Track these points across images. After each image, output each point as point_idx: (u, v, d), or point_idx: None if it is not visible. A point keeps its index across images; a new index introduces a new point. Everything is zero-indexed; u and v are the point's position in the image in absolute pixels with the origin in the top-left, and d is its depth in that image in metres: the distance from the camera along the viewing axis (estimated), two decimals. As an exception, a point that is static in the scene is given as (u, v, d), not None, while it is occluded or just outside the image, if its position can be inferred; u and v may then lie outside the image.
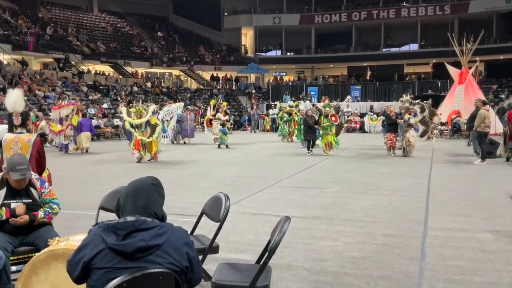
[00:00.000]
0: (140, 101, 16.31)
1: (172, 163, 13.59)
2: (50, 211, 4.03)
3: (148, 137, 13.72)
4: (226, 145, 18.35)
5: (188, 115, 21.84)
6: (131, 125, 13.95)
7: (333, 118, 15.23)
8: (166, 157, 15.22)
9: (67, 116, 16.79)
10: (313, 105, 19.11)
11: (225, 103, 22.54)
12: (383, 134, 16.86)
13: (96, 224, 2.32)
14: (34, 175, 4.11)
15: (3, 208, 3.83)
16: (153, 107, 14.77)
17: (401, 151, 15.06)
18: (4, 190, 3.92)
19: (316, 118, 15.80)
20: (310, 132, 15.73)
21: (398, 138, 15.23)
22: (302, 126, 18.48)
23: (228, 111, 21.07)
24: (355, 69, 44.97)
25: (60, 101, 19.70)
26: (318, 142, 16.35)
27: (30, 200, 3.98)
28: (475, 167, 12.39)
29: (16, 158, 3.96)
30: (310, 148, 15.77)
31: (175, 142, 21.43)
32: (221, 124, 18.84)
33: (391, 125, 15.11)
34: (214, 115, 19.68)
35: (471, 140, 15.68)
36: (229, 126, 20.21)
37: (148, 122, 13.92)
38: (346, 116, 27.23)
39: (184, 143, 21.49)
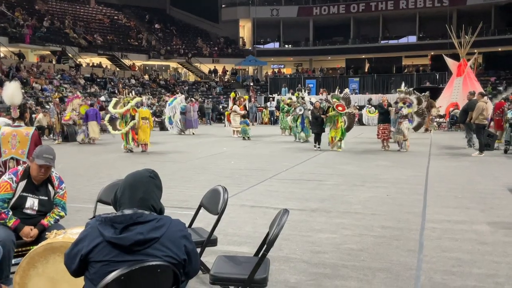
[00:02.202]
0: (126, 92, 16.89)
1: (170, 156, 13.58)
2: (58, 218, 4.05)
3: (125, 128, 14.36)
4: (247, 137, 18.59)
5: (191, 107, 22.11)
6: (110, 118, 15.06)
7: (340, 108, 14.20)
8: (165, 149, 15.23)
9: (80, 105, 17.98)
10: (302, 98, 18.71)
11: (246, 96, 22.66)
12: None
13: (94, 217, 2.31)
14: (54, 173, 4.10)
15: (13, 218, 3.81)
16: (137, 99, 15.04)
17: (396, 145, 14.43)
18: (24, 182, 3.92)
19: (325, 109, 14.84)
20: (316, 124, 14.83)
21: (392, 129, 14.48)
22: (291, 118, 18.22)
23: (246, 105, 21.23)
24: (353, 61, 44.87)
25: (56, 93, 20.24)
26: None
27: (46, 198, 3.99)
28: (473, 159, 12.40)
29: (45, 147, 4.01)
30: (318, 143, 14.84)
31: (183, 133, 21.90)
32: (242, 116, 19.31)
33: (383, 114, 14.51)
34: (232, 108, 20.04)
35: (466, 131, 15.63)
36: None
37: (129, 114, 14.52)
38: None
39: (193, 133, 21.90)
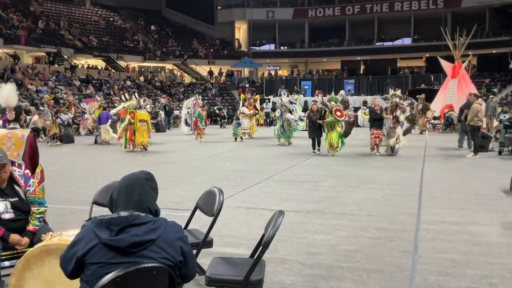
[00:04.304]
0: (126, 94, 17.56)
1: (166, 157, 13.57)
2: (41, 216, 3.93)
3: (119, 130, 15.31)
4: (238, 138, 18.62)
5: (192, 108, 22.24)
6: (111, 122, 16.17)
7: (338, 113, 13.40)
8: (161, 150, 15.22)
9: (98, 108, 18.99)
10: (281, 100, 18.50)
11: (257, 96, 22.57)
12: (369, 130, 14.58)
13: (89, 219, 2.32)
14: (17, 172, 3.98)
15: None
16: (132, 102, 15.51)
17: (385, 150, 13.71)
18: None
19: (322, 113, 13.91)
20: (313, 128, 14.03)
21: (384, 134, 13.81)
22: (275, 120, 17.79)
23: (256, 105, 21.06)
24: (349, 63, 44.95)
25: (47, 95, 20.99)
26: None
27: (17, 199, 3.86)
28: (467, 161, 12.46)
29: None
30: (316, 148, 14.10)
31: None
32: (250, 117, 19.58)
33: (377, 120, 13.72)
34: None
35: (459, 132, 15.65)
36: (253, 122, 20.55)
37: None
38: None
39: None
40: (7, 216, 3.79)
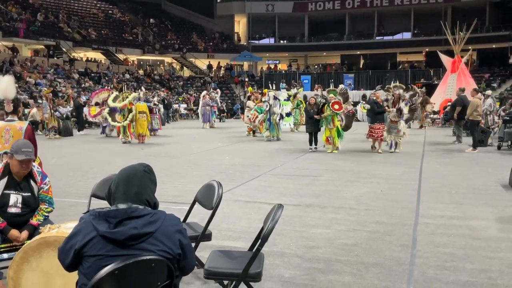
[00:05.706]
0: (125, 87, 17.67)
1: (165, 151, 13.57)
2: (47, 215, 3.97)
3: (124, 121, 15.42)
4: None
5: (201, 101, 22.42)
6: (110, 110, 16.09)
7: (336, 106, 12.82)
8: (160, 144, 15.22)
9: (105, 100, 18.34)
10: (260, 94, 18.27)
11: (266, 90, 22.53)
12: (368, 124, 13.92)
13: (88, 211, 2.31)
14: (36, 168, 4.00)
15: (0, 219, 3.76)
16: (134, 95, 15.98)
17: (387, 147, 13.19)
18: (5, 180, 3.82)
19: (320, 106, 13.33)
20: (310, 123, 13.48)
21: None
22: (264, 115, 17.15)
23: (263, 98, 20.91)
24: (348, 57, 44.90)
25: (46, 89, 20.84)
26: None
27: (29, 194, 3.89)
28: (466, 156, 12.46)
29: (22, 141, 3.97)
30: (312, 144, 13.52)
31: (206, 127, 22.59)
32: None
33: (380, 113, 13.09)
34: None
35: (456, 128, 15.66)
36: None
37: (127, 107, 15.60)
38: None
39: (210, 126, 22.62)
40: (13, 210, 3.82)
